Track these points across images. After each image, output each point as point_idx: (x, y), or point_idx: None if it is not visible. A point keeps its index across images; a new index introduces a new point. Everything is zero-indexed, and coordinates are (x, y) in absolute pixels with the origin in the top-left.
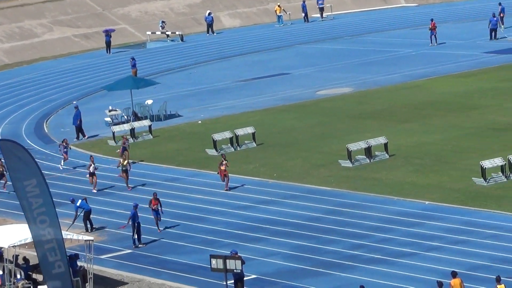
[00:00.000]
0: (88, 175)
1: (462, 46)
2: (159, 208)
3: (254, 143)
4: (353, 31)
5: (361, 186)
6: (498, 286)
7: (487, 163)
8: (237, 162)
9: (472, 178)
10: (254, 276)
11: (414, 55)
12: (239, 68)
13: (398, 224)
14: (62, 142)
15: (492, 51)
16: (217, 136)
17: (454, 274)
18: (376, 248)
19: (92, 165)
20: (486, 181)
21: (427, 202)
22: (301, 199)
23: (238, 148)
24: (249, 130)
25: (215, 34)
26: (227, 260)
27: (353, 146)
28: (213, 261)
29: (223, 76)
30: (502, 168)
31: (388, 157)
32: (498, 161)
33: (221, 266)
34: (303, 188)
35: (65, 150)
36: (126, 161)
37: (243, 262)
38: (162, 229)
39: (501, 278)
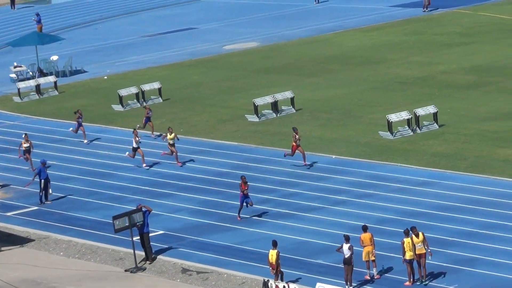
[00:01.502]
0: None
1: (369, 0)
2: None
3: (160, 98)
4: None
5: (268, 141)
6: (405, 239)
7: (393, 117)
8: (143, 118)
9: (379, 132)
10: (161, 231)
11: (320, 9)
12: (146, 23)
13: (304, 179)
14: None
15: (398, 4)
16: (123, 92)
17: (364, 228)
18: (283, 203)
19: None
20: (392, 135)
21: (333, 156)
22: (208, 154)
23: (145, 104)
24: (155, 85)
25: None
26: (132, 215)
27: (259, 101)
28: (116, 221)
29: (130, 31)
30: (408, 122)
31: (294, 111)
32: (404, 115)
33: (126, 223)
34: (210, 143)
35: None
36: (173, 134)
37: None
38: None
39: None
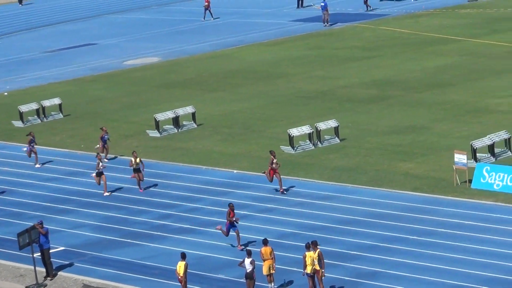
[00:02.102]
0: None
1: (270, 15)
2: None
3: (61, 114)
4: (160, 1)
5: (170, 156)
6: (307, 252)
7: (294, 131)
8: (44, 134)
9: (280, 146)
10: (62, 248)
11: (221, 24)
12: (47, 38)
13: (206, 194)
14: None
15: (299, 19)
16: (23, 108)
17: (265, 242)
18: (184, 218)
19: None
20: (294, 149)
21: (235, 171)
22: (110, 170)
23: (45, 120)
24: (56, 101)
25: (22, 5)
26: (32, 231)
27: (161, 116)
28: (20, 238)
29: (31, 47)
30: (309, 136)
31: (196, 126)
32: (305, 129)
33: (27, 240)
34: (113, 160)
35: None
36: (138, 159)
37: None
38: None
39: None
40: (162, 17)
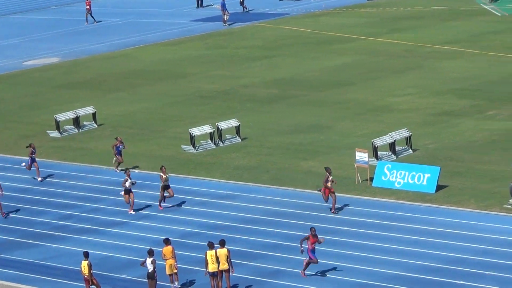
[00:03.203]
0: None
1: (170, 15)
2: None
3: None
4: (59, 1)
5: (70, 156)
6: (208, 251)
7: (195, 131)
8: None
9: (181, 146)
10: None
11: (121, 24)
12: None
13: (107, 194)
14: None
15: (199, 19)
16: None
17: (166, 241)
18: (85, 218)
19: (128, 180)
20: (195, 149)
21: (136, 171)
22: (10, 170)
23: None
24: None
25: None
26: None
27: (61, 117)
28: None
29: None
30: (211, 135)
31: (96, 126)
32: (206, 129)
33: None
34: (11, 160)
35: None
36: (166, 176)
37: None
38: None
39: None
40: (61, 18)
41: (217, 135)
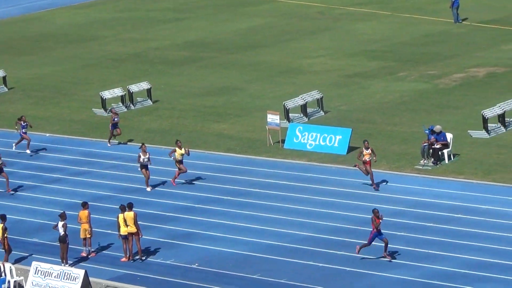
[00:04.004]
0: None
1: None
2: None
3: None
4: None
5: None
6: (120, 214)
7: (107, 94)
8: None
9: (93, 109)
10: None
11: None
12: None
13: (19, 158)
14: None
15: None
16: None
17: (83, 205)
18: None
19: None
20: (106, 112)
21: (47, 134)
22: None
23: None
24: None
25: None
26: None
27: None
28: None
29: None
30: (122, 98)
31: (7, 90)
32: (118, 92)
33: None
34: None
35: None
36: (183, 149)
37: None
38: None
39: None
40: None
41: (128, 98)
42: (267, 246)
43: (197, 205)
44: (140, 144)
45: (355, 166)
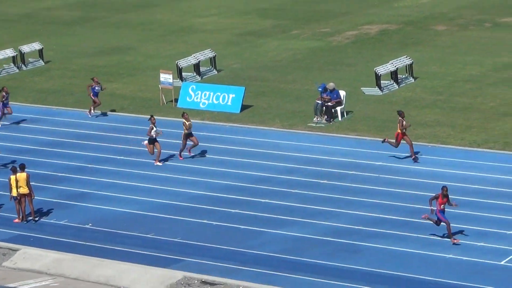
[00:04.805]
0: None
1: None
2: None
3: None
4: None
5: None
6: (12, 176)
7: None
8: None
9: None
10: None
11: None
12: None
13: None
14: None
15: None
16: None
17: None
18: None
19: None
20: None
21: None
22: None
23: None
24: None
25: None
26: None
27: None
28: None
29: None
30: (13, 59)
31: None
32: (9, 52)
33: None
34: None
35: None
36: (189, 122)
37: None
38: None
39: None
40: None
41: (20, 59)
42: (161, 205)
43: (89, 165)
44: (149, 116)
45: (384, 141)
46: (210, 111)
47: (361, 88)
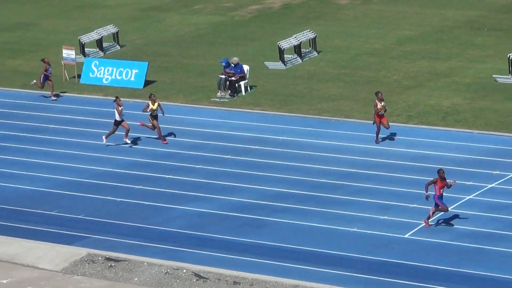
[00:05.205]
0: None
1: None
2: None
3: None
4: None
5: None
6: None
7: None
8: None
9: None
10: None
11: None
12: None
13: None
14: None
15: None
16: None
17: None
18: None
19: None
20: None
21: None
22: None
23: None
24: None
25: None
26: None
27: None
28: None
29: None
30: None
31: None
32: None
33: None
34: None
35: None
36: (156, 104)
37: None
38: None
39: None
40: None
41: None
42: (65, 182)
43: None
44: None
45: (374, 123)
46: (113, 86)
47: (265, 63)
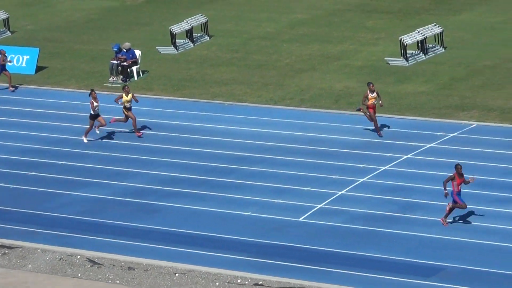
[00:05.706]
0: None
1: None
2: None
3: None
4: None
5: None
6: None
7: None
8: None
9: None
10: None
11: None
12: None
13: None
14: None
15: None
16: None
17: None
18: None
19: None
20: None
21: None
22: None
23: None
24: None
25: None
26: None
27: None
28: None
29: None
30: None
31: None
32: None
33: None
34: None
35: None
36: (130, 95)
37: None
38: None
39: None
40: None
41: None
42: None
43: None
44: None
45: (359, 109)
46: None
47: (157, 47)
